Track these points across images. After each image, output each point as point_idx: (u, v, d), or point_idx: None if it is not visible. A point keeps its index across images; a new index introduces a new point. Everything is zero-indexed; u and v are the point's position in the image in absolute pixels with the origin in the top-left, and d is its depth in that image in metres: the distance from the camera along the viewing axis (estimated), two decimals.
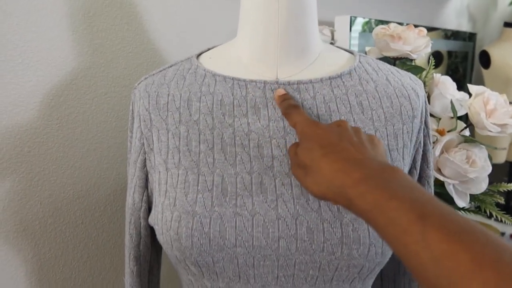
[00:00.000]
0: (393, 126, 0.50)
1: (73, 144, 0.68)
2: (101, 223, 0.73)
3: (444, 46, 1.38)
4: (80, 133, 0.68)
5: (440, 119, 0.80)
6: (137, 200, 0.53)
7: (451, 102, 0.76)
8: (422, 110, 0.52)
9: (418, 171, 0.54)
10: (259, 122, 0.50)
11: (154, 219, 0.50)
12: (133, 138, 0.54)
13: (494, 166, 0.75)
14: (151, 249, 0.57)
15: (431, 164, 0.56)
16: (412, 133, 0.50)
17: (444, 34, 1.38)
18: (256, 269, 0.46)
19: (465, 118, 0.82)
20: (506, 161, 1.50)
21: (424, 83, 0.85)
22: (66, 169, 0.67)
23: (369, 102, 0.50)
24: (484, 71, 1.47)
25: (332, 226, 0.44)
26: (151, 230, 0.55)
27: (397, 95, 0.51)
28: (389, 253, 0.47)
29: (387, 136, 0.49)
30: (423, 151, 0.54)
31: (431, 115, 0.81)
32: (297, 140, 0.49)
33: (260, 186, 0.47)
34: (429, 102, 0.84)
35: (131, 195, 0.53)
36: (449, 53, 1.41)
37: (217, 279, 0.48)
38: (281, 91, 0.49)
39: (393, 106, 0.50)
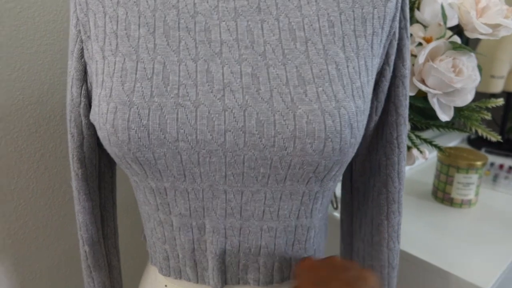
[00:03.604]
0: (362, 9, 0.43)
1: (18, 44, 0.61)
2: (58, 133, 0.69)
3: None
4: (25, 32, 0.61)
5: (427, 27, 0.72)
6: (76, 95, 0.48)
7: (442, 6, 0.69)
8: None
9: (391, 68, 0.48)
10: (207, 2, 0.43)
11: (93, 115, 0.45)
12: (70, 26, 0.47)
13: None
14: (98, 152, 0.53)
15: (408, 63, 0.50)
16: (384, 20, 0.44)
17: None
18: (202, 166, 0.42)
19: (456, 28, 0.75)
20: (504, 91, 1.43)
21: None
22: (12, 72, 0.61)
23: None
24: None
25: (285, 118, 0.39)
26: (96, 131, 0.51)
27: None
28: (348, 151, 0.42)
29: (354, 20, 0.43)
30: (398, 45, 0.48)
31: (420, 23, 0.73)
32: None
33: (206, 75, 0.41)
34: (418, 9, 0.76)
35: (69, 90, 0.48)
36: None
37: (161, 178, 0.44)
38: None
39: None
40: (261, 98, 0.40)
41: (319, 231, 0.51)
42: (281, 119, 0.39)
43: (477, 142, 1.49)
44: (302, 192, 0.45)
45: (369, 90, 0.44)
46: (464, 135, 1.56)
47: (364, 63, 0.43)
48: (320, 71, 0.41)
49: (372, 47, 0.44)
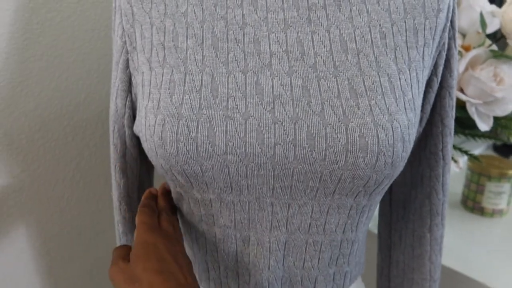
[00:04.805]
0: (414, 20, 0.42)
1: (58, 53, 0.62)
2: (93, 142, 0.69)
3: None
4: (65, 41, 0.62)
5: (465, 35, 0.71)
6: (120, 106, 0.48)
7: (481, 14, 0.67)
8: (449, 4, 0.44)
9: (439, 79, 0.47)
10: (256, 13, 0.43)
11: (138, 126, 0.45)
12: (114, 37, 0.48)
13: None
14: (139, 163, 0.53)
15: (455, 73, 0.49)
16: (435, 30, 0.43)
17: None
18: (250, 179, 0.42)
19: (494, 36, 0.74)
20: None
21: None
22: (51, 81, 0.62)
23: None
24: None
25: (336, 131, 0.39)
26: (138, 141, 0.51)
27: None
28: (399, 165, 0.41)
29: (406, 31, 0.42)
30: (446, 56, 0.47)
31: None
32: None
33: (255, 87, 0.41)
34: None
35: (114, 101, 0.48)
36: None
37: (207, 190, 0.43)
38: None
39: None
40: (312, 111, 0.39)
41: (362, 244, 0.51)
42: (332, 132, 0.39)
43: (504, 149, 1.46)
44: (350, 206, 0.44)
45: (419, 102, 0.44)
46: (489, 142, 1.53)
47: (416, 75, 0.42)
48: (373, 84, 0.40)
49: (423, 59, 0.43)
